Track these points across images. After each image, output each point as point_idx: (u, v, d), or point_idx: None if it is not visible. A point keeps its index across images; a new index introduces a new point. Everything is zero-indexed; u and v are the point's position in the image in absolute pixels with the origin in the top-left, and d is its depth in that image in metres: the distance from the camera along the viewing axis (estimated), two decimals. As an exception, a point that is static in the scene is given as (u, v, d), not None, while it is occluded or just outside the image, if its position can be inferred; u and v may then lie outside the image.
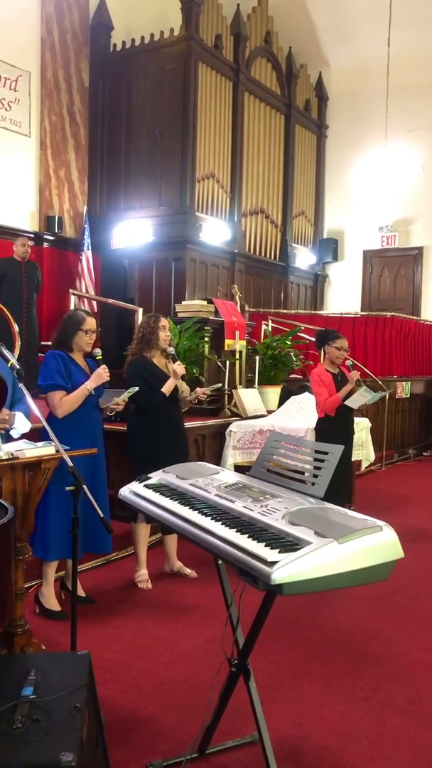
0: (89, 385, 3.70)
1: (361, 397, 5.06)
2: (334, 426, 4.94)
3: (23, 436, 3.18)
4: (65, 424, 3.60)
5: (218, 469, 2.61)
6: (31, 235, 8.95)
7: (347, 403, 4.98)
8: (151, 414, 4.16)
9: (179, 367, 4.13)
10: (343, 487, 5.23)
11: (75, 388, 3.69)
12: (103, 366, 3.75)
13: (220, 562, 2.37)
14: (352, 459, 6.14)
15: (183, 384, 4.31)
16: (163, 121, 9.52)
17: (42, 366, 3.75)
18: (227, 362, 6.48)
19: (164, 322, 4.25)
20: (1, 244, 8.21)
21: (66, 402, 3.66)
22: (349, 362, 5.14)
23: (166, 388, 4.10)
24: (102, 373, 3.73)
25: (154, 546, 4.90)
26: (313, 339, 6.22)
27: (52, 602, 3.77)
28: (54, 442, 2.84)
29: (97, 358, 3.81)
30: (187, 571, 4.41)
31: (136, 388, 3.95)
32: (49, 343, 4.11)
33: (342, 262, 13.14)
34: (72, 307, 7.98)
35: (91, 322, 3.80)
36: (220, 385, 5.12)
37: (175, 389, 4.20)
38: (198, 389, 4.40)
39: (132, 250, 9.78)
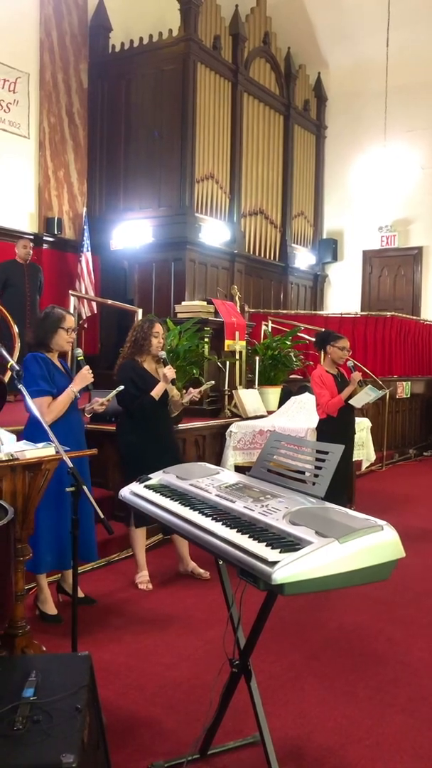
0: (74, 387, 3.59)
1: (366, 396, 5.07)
2: (335, 426, 4.94)
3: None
4: (51, 426, 3.50)
5: (218, 469, 2.60)
6: (31, 237, 8.95)
7: (351, 402, 4.98)
8: (140, 417, 4.15)
9: (169, 372, 4.10)
10: (344, 487, 5.24)
11: (60, 392, 3.56)
12: (86, 367, 3.64)
13: (220, 562, 2.36)
14: (353, 459, 6.15)
15: (173, 389, 4.30)
16: (162, 122, 9.53)
17: (23, 370, 3.54)
18: (227, 363, 6.48)
19: (158, 328, 4.22)
20: (1, 246, 8.22)
21: (54, 408, 3.53)
22: (350, 363, 5.14)
23: (156, 392, 4.09)
24: (86, 375, 3.62)
25: (155, 547, 4.90)
26: (313, 339, 6.21)
27: (48, 606, 3.74)
28: (54, 443, 2.83)
29: (79, 358, 3.68)
30: (201, 571, 4.40)
31: (122, 387, 3.92)
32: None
33: (341, 263, 13.14)
34: (72, 308, 7.98)
35: (71, 320, 3.67)
36: (213, 382, 5.12)
37: (165, 393, 4.19)
38: (191, 389, 4.39)
39: (131, 251, 9.78)
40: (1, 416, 3.65)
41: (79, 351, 3.72)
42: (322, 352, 5.15)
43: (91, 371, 3.66)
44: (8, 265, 7.40)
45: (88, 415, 3.88)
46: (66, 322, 3.64)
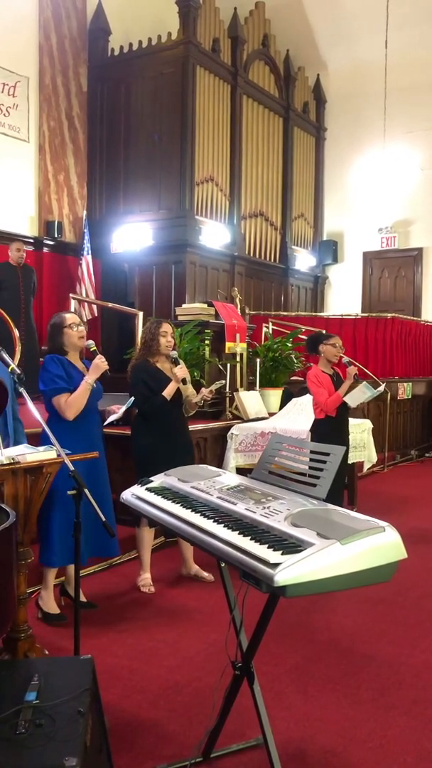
0: (89, 378, 3.66)
1: (362, 394, 5.06)
2: (331, 427, 4.93)
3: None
4: (64, 428, 3.56)
5: (220, 471, 2.60)
6: (31, 240, 8.96)
7: (346, 400, 4.96)
8: (154, 418, 4.15)
9: (180, 370, 4.11)
10: (340, 488, 5.22)
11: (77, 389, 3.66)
12: (100, 356, 3.71)
13: (223, 564, 2.36)
14: (354, 460, 6.15)
15: (188, 388, 4.30)
16: (161, 125, 9.54)
17: (42, 371, 3.70)
18: (228, 365, 6.48)
19: (166, 327, 4.24)
20: (1, 249, 8.22)
21: (72, 402, 3.62)
22: (345, 359, 5.12)
23: (167, 392, 4.09)
24: (99, 364, 3.69)
25: (157, 550, 4.89)
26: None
27: (51, 605, 3.75)
28: (55, 446, 2.84)
29: (92, 349, 3.75)
30: (204, 574, 4.40)
31: (132, 400, 3.98)
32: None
33: (342, 264, 13.14)
34: (72, 311, 7.98)
35: (71, 317, 3.76)
36: (223, 382, 5.11)
37: (179, 393, 4.19)
38: (203, 389, 4.40)
39: (132, 254, 9.78)
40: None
41: (91, 342, 3.78)
42: (320, 355, 5.12)
43: (104, 360, 3.71)
44: (2, 268, 7.41)
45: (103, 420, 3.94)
46: (67, 321, 3.73)
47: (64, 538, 3.57)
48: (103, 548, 3.81)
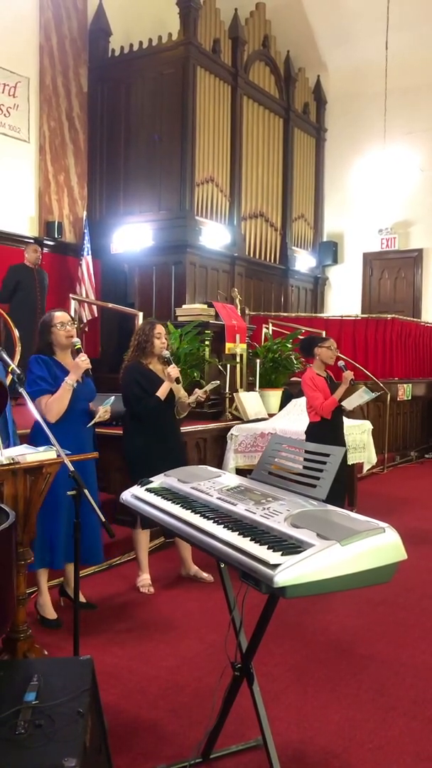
0: (69, 379, 3.56)
1: (359, 398, 5.07)
2: (326, 429, 4.92)
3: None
4: (51, 429, 3.50)
5: (220, 472, 2.60)
6: (31, 241, 8.95)
7: (344, 404, 4.97)
8: (146, 419, 4.15)
9: (173, 370, 4.10)
10: (339, 489, 5.21)
11: None
12: (81, 355, 3.62)
13: (222, 565, 2.36)
14: (354, 461, 6.15)
15: (181, 389, 4.30)
16: (162, 126, 9.54)
17: (27, 372, 3.62)
18: (228, 366, 6.48)
19: (160, 329, 4.22)
20: (0, 250, 8.23)
21: (52, 404, 3.54)
22: (341, 363, 5.13)
23: (161, 392, 4.09)
24: (80, 363, 3.59)
25: (157, 550, 4.90)
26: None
27: (47, 610, 3.73)
28: (55, 446, 2.83)
29: (76, 347, 3.66)
30: (204, 575, 4.39)
31: (113, 398, 3.90)
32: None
33: (342, 265, 13.14)
34: (72, 311, 7.99)
35: (60, 316, 3.69)
36: (218, 382, 5.09)
37: (172, 395, 4.19)
38: (197, 390, 4.39)
39: (132, 254, 9.78)
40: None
41: (76, 340, 3.68)
42: (315, 357, 5.10)
43: (85, 358, 3.63)
44: (19, 269, 7.45)
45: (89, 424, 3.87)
46: (55, 320, 3.67)
47: (40, 541, 3.53)
48: (88, 555, 3.72)
